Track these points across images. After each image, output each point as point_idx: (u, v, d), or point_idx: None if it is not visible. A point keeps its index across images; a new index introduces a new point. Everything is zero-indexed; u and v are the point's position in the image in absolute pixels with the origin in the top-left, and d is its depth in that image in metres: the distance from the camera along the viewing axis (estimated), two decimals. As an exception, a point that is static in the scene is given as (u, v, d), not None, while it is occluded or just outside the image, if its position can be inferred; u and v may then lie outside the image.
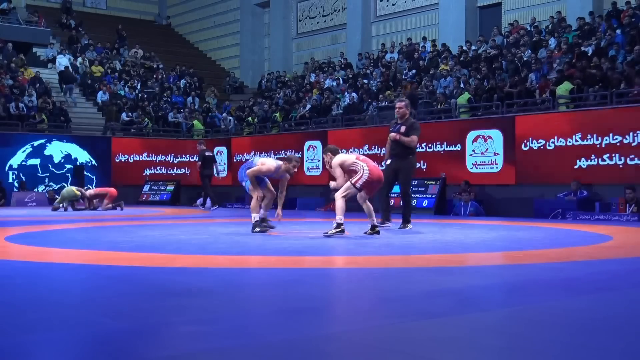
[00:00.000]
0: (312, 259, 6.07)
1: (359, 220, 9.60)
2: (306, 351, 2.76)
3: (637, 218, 11.85)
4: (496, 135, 14.78)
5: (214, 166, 16.96)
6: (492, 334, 3.07)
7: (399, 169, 9.50)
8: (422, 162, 16.10)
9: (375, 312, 3.60)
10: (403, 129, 9.47)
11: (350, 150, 16.29)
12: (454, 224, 10.95)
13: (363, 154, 11.01)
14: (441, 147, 15.74)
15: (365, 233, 8.23)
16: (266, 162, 8.82)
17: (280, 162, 8.84)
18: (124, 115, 22.91)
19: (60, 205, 16.31)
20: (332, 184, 8.28)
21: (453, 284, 4.49)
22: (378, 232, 8.19)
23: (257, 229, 8.61)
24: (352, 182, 7.97)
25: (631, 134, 12.74)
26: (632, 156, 12.71)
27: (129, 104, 23.76)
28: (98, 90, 24.30)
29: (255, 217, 8.68)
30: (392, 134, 9.53)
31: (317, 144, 18.44)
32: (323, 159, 8.57)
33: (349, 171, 8.10)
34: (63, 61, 24.99)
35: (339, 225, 7.90)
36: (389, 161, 9.68)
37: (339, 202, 7.97)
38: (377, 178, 8.06)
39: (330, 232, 7.92)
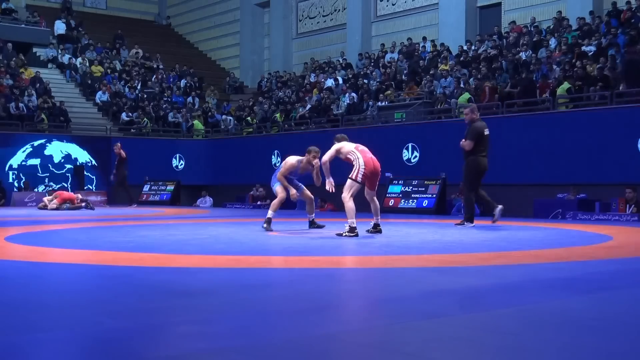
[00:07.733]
0: (312, 259, 6.07)
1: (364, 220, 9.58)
2: (306, 351, 2.76)
3: (637, 218, 11.84)
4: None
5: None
6: (492, 334, 3.07)
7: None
8: (422, 162, 16.10)
9: (375, 312, 3.59)
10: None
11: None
12: (454, 224, 10.92)
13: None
14: (441, 147, 15.72)
15: (368, 231, 8.33)
16: (288, 160, 9.21)
17: (301, 157, 9.09)
18: (123, 115, 22.89)
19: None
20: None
21: (453, 284, 4.49)
22: (380, 231, 8.36)
23: (265, 225, 8.98)
24: (353, 177, 8.02)
25: (631, 134, 12.74)
26: (631, 156, 12.70)
27: (129, 104, 23.74)
28: (98, 90, 24.28)
29: (271, 214, 9.07)
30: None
31: (317, 144, 18.38)
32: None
33: (346, 158, 8.20)
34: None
35: (352, 229, 7.86)
36: None
37: (349, 204, 7.95)
38: (373, 169, 8.09)
39: (343, 233, 7.93)
